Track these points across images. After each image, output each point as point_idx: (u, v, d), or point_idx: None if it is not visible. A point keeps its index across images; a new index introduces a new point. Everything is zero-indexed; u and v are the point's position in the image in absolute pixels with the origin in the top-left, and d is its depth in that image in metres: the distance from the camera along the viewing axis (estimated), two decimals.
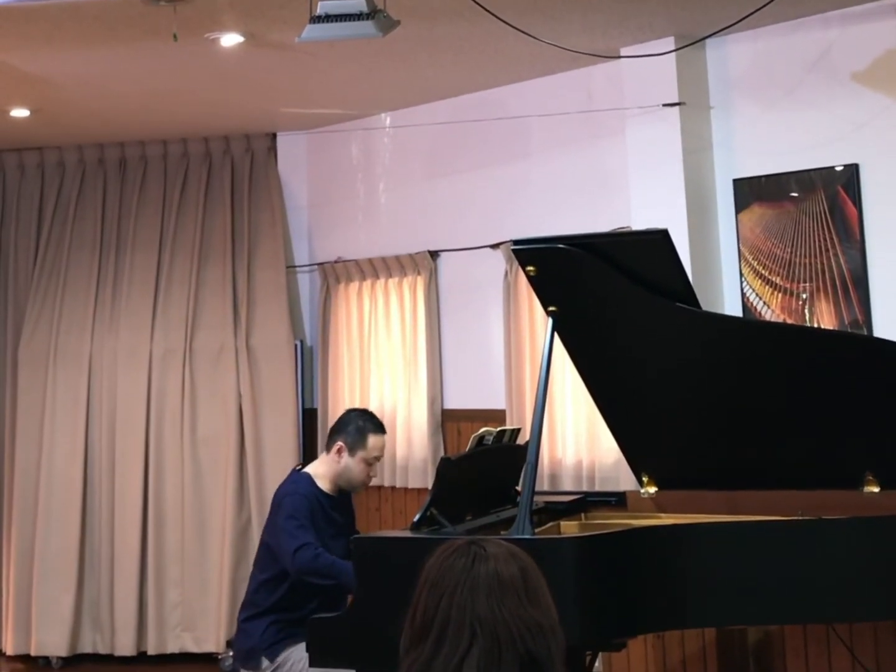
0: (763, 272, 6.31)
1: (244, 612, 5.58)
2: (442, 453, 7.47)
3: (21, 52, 6.19)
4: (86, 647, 8.19)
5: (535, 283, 4.82)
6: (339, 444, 5.54)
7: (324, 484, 5.56)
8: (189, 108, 7.79)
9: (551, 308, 4.81)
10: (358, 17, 4.69)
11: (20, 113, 7.57)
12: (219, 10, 5.63)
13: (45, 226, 8.65)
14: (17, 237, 8.72)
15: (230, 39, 6.08)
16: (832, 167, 6.12)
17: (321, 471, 5.60)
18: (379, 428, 5.64)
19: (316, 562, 5.24)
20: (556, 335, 4.82)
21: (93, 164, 8.68)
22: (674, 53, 6.32)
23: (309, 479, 5.55)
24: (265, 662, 5.38)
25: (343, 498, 5.67)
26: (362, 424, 5.58)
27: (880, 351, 4.73)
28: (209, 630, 8.02)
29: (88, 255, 8.52)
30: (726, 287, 6.48)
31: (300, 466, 5.78)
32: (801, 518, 4.68)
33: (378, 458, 5.65)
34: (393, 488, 7.94)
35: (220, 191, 8.53)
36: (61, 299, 8.46)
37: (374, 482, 7.78)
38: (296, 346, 8.36)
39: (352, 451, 5.53)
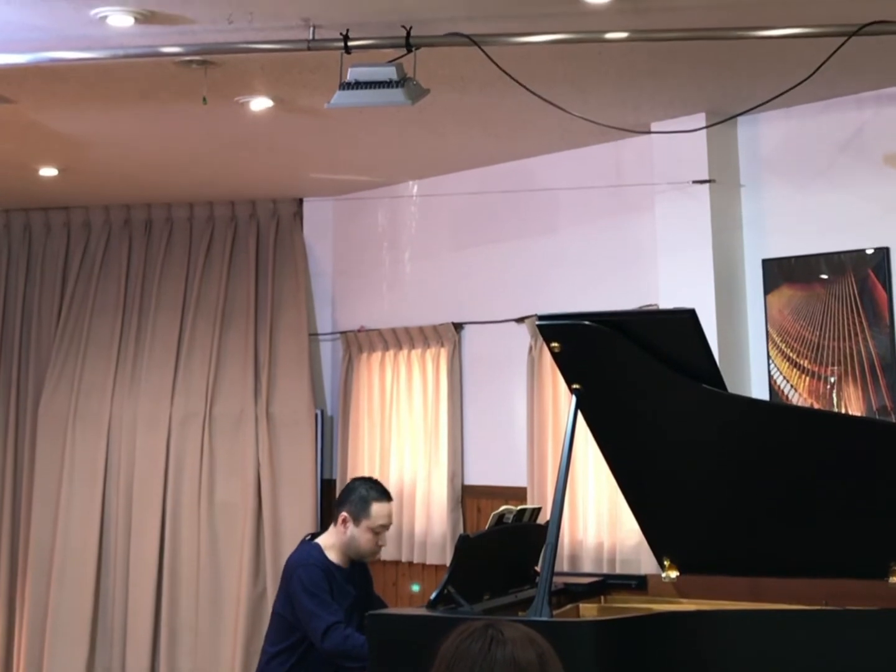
0: (791, 355, 6.23)
1: None
2: (461, 530, 7.40)
3: (51, 111, 6.21)
4: None
5: (560, 359, 4.74)
6: (344, 514, 5.42)
7: (335, 556, 5.42)
8: (216, 171, 7.79)
9: (575, 385, 4.73)
10: (388, 84, 4.68)
11: (48, 172, 7.59)
12: (249, 73, 5.63)
13: (69, 286, 8.65)
14: (41, 296, 8.71)
15: (259, 103, 6.08)
16: (862, 250, 6.05)
17: (330, 542, 5.46)
18: (383, 495, 5.49)
19: (345, 644, 5.12)
20: (579, 413, 4.74)
21: (118, 225, 8.67)
22: (705, 130, 6.28)
23: (319, 550, 5.43)
24: None
25: (357, 569, 5.54)
26: (365, 493, 5.44)
27: None
28: None
29: (111, 316, 8.51)
30: (753, 369, 6.41)
31: (310, 536, 5.66)
32: (825, 608, 4.59)
33: (385, 527, 5.49)
34: (410, 564, 7.83)
35: (245, 255, 8.51)
36: (83, 360, 8.44)
37: (391, 557, 7.75)
38: (316, 415, 8.29)
39: (356, 520, 5.40)
